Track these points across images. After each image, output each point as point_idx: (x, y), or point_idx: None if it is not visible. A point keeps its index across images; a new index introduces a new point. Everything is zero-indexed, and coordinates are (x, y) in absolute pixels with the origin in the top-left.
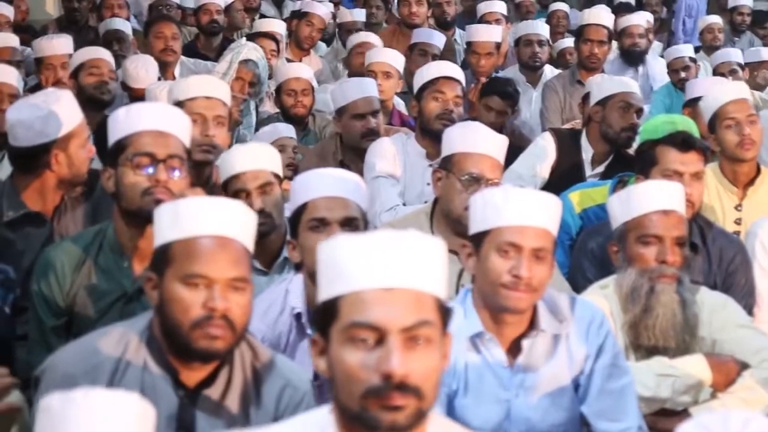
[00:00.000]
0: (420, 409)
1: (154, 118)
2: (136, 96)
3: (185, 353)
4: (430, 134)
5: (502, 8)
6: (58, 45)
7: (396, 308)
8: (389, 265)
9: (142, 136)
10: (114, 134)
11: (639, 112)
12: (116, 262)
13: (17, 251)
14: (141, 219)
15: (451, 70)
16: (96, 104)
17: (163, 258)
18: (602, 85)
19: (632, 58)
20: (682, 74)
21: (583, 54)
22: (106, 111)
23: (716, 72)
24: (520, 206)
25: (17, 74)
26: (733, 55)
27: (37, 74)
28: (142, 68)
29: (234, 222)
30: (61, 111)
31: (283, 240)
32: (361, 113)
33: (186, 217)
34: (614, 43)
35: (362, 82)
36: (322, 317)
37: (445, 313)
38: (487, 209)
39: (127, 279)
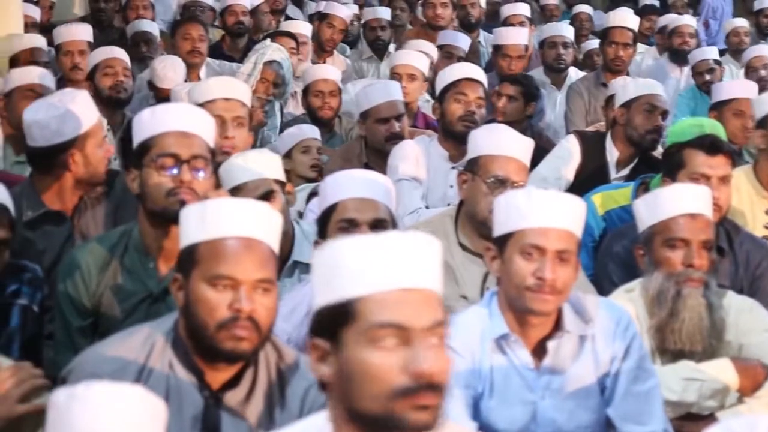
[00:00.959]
0: (442, 408)
1: (177, 118)
2: (163, 96)
3: (210, 354)
4: (452, 136)
5: (525, 10)
6: (77, 32)
7: (417, 308)
8: (405, 265)
9: (166, 137)
10: (138, 135)
11: (664, 114)
12: (142, 263)
13: (38, 250)
14: (166, 220)
15: (474, 71)
16: (114, 103)
17: (190, 259)
18: (627, 87)
19: (681, 57)
20: (707, 77)
21: (608, 56)
22: (126, 110)
23: (749, 68)
24: (544, 208)
25: (51, 76)
26: (766, 50)
27: (56, 62)
28: (170, 69)
29: (260, 224)
30: (77, 110)
31: (290, 244)
32: (384, 117)
33: (213, 219)
34: (648, 46)
35: (387, 85)
36: (329, 321)
37: (445, 312)
38: (510, 211)
39: (152, 279)
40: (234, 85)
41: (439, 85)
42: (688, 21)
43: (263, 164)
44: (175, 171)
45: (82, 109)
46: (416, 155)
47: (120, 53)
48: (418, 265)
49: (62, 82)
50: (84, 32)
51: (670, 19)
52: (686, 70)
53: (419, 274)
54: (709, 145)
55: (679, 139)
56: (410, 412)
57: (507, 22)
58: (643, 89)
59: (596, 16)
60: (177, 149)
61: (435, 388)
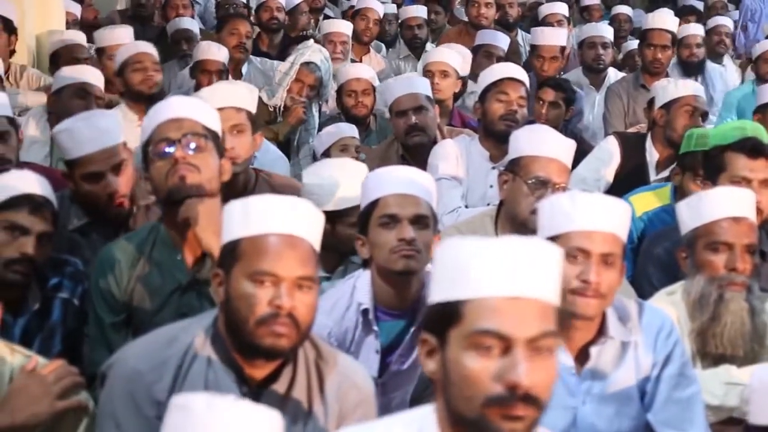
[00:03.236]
0: (536, 419)
1: (169, 108)
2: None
3: (250, 350)
4: (494, 135)
5: (564, 10)
6: (120, 35)
7: (523, 318)
8: (517, 273)
9: (160, 127)
10: (143, 136)
11: (704, 116)
12: (170, 256)
13: (84, 257)
14: (176, 204)
15: (515, 71)
16: (144, 98)
17: (231, 254)
18: (667, 88)
19: (689, 68)
20: None
21: (647, 58)
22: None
23: None
24: (588, 211)
25: (99, 75)
26: None
27: (99, 65)
28: (214, 46)
29: (302, 221)
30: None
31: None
32: (403, 110)
33: (255, 215)
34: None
35: (406, 78)
36: (439, 318)
37: (560, 320)
38: (554, 215)
39: (180, 271)
40: (225, 92)
41: (481, 85)
42: (694, 31)
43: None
44: (169, 152)
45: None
46: (456, 155)
47: (148, 48)
48: (530, 273)
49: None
50: (127, 35)
51: (679, 29)
52: (700, 78)
53: (530, 283)
54: (750, 148)
55: (721, 142)
56: (502, 421)
57: (545, 21)
58: (683, 90)
59: (636, 15)
60: (168, 133)
61: (529, 400)
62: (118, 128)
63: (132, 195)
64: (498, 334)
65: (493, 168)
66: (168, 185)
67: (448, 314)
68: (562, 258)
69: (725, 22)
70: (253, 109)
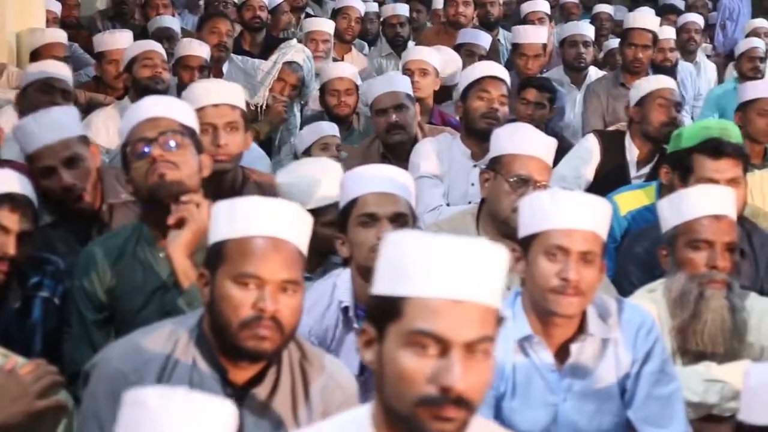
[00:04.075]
0: (467, 421)
1: (144, 109)
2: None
3: (233, 352)
4: (475, 134)
5: (545, 7)
6: (120, 39)
7: (463, 322)
8: (462, 276)
9: (136, 128)
10: (121, 138)
11: (678, 106)
12: (152, 254)
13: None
14: (158, 203)
15: (497, 69)
16: (151, 94)
17: (217, 256)
18: (640, 86)
19: (662, 72)
20: (759, 63)
21: (627, 58)
22: None
23: None
24: (568, 209)
25: (68, 70)
26: None
27: (98, 69)
28: (195, 42)
29: (288, 224)
30: None
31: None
32: (383, 108)
33: (242, 217)
34: None
35: (387, 77)
36: (379, 311)
37: (499, 324)
38: (535, 213)
39: (163, 269)
40: (221, 90)
41: (462, 84)
42: (668, 34)
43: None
44: (146, 151)
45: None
46: (437, 153)
47: (157, 47)
48: (474, 276)
49: (97, 78)
50: (127, 40)
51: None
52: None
53: (473, 287)
54: (713, 149)
55: (688, 144)
56: (432, 421)
57: (527, 19)
58: (655, 84)
59: (618, 11)
60: (144, 133)
61: (461, 403)
62: (72, 122)
63: (101, 192)
64: (436, 336)
65: (475, 166)
66: (148, 184)
67: (389, 309)
68: (508, 258)
69: (695, 19)
70: (244, 108)
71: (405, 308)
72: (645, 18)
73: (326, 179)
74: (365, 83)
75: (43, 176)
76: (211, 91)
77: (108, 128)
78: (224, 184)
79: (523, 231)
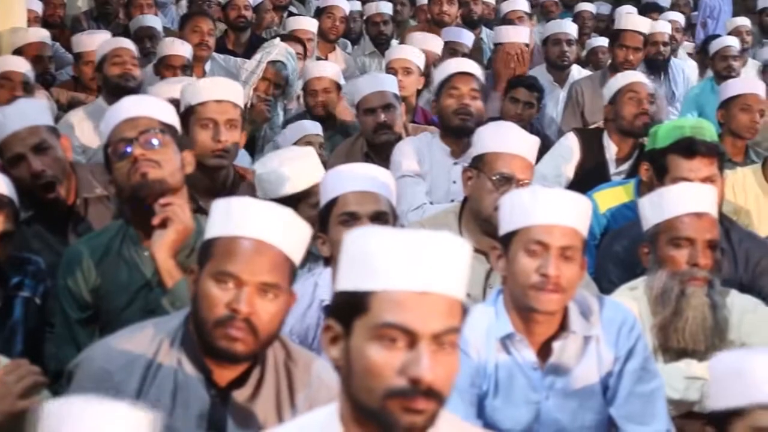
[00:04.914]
0: (436, 412)
1: (123, 110)
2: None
3: (210, 351)
4: (451, 131)
5: (524, 6)
6: (98, 40)
7: (430, 314)
8: (426, 268)
9: (117, 128)
10: (103, 139)
11: (650, 98)
12: (137, 253)
13: (33, 249)
14: (140, 202)
15: (465, 65)
16: (122, 92)
17: (206, 252)
18: (610, 85)
19: (655, 66)
20: (732, 62)
21: (618, 59)
22: None
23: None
24: (548, 205)
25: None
26: None
27: (76, 69)
28: (178, 42)
29: (278, 228)
30: None
31: None
32: (371, 107)
33: (233, 216)
34: None
35: (375, 77)
36: (345, 307)
37: (465, 316)
38: (515, 210)
39: (148, 268)
40: (226, 86)
41: (435, 83)
42: (661, 28)
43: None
44: (128, 151)
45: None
46: (418, 151)
47: (127, 43)
48: (438, 268)
49: (76, 79)
50: (126, 41)
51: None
52: (664, 76)
53: (438, 279)
54: (686, 148)
55: (662, 144)
56: (402, 413)
57: (506, 19)
58: (623, 80)
59: (602, 7)
60: (125, 133)
61: (431, 395)
62: (39, 112)
63: (75, 185)
64: (403, 328)
65: (455, 163)
66: (131, 184)
67: (355, 304)
68: (471, 252)
69: (677, 17)
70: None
71: (371, 302)
72: (637, 20)
73: (302, 163)
74: (351, 82)
75: (13, 165)
76: (214, 87)
77: (83, 128)
78: (217, 180)
79: (504, 228)
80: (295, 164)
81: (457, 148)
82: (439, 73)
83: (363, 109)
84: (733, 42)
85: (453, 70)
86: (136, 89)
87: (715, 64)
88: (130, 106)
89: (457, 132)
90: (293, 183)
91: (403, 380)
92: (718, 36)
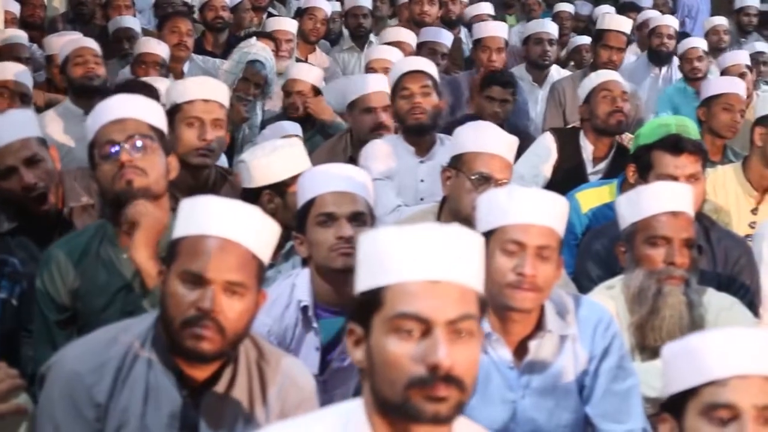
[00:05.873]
0: (460, 401)
1: (111, 110)
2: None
3: (178, 351)
4: (409, 131)
5: (489, 9)
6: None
7: (442, 301)
8: (436, 257)
9: (103, 129)
10: (88, 136)
11: (623, 95)
12: (116, 254)
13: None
14: (123, 207)
15: (414, 63)
16: (87, 92)
17: (172, 252)
18: (584, 85)
19: (659, 58)
20: (696, 64)
21: (601, 59)
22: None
23: (724, 74)
24: (525, 205)
25: (28, 74)
26: (742, 57)
27: (47, 71)
28: (154, 41)
29: (244, 227)
30: None
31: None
32: (371, 107)
33: (199, 215)
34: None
35: (375, 77)
36: (363, 307)
37: (483, 307)
38: (492, 209)
39: (127, 269)
40: (213, 86)
41: (390, 85)
42: (669, 21)
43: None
44: (115, 155)
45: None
46: (386, 153)
47: (89, 42)
48: (448, 257)
49: (49, 81)
50: (88, 40)
51: (651, 18)
52: (664, 69)
53: (450, 267)
54: (673, 145)
55: (647, 141)
56: (425, 402)
57: (472, 23)
58: (596, 80)
59: (585, 8)
60: (112, 135)
61: (451, 381)
62: (29, 123)
63: (62, 195)
64: (417, 316)
65: (421, 162)
66: (115, 189)
67: (371, 302)
68: (483, 245)
69: (671, 22)
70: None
71: (385, 296)
72: (620, 21)
73: (295, 150)
74: (347, 79)
75: (3, 177)
76: (202, 87)
77: (53, 129)
78: (199, 179)
79: (481, 228)
80: (284, 151)
81: (420, 146)
82: (391, 76)
83: (362, 108)
84: (699, 43)
85: (403, 71)
86: (101, 88)
87: (683, 66)
88: (119, 106)
89: (415, 131)
90: (282, 170)
91: (422, 368)
92: (688, 36)
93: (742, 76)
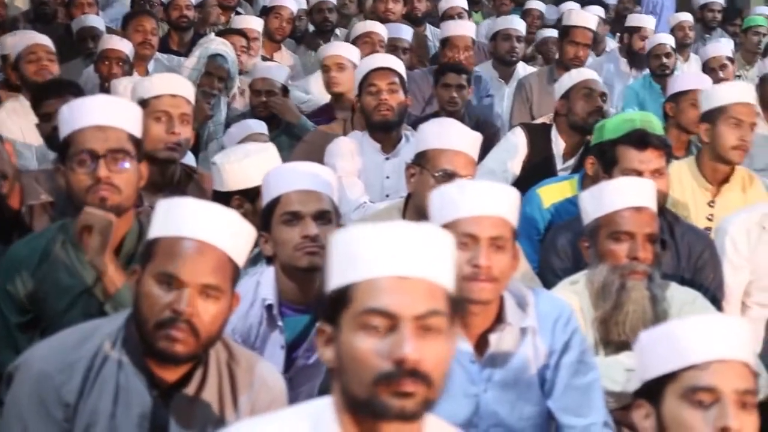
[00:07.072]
0: (428, 398)
1: (93, 112)
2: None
3: (151, 352)
4: (375, 127)
5: (463, 3)
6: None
7: (409, 296)
8: (404, 254)
9: (83, 133)
10: (61, 132)
11: (603, 95)
12: (78, 257)
13: None
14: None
15: (381, 60)
16: (40, 90)
17: (148, 252)
18: (563, 80)
19: (639, 60)
20: (664, 60)
21: (568, 55)
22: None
23: (706, 66)
24: (475, 197)
25: None
26: (724, 48)
27: (3, 71)
28: (116, 38)
29: (221, 230)
30: None
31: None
32: (376, 87)
33: (175, 217)
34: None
35: (382, 56)
36: (332, 305)
37: (454, 306)
38: (444, 204)
39: (88, 273)
40: (180, 82)
41: (356, 81)
42: (664, 40)
43: None
44: (92, 167)
45: None
46: (351, 150)
47: (42, 39)
48: (416, 253)
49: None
50: (41, 37)
51: (632, 19)
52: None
53: (417, 263)
54: (637, 139)
55: (612, 136)
56: (392, 398)
57: (446, 16)
58: (578, 77)
59: (548, 11)
60: (93, 144)
61: (418, 376)
62: None
63: (20, 192)
64: (384, 312)
65: (387, 159)
66: (86, 201)
67: (341, 299)
68: (453, 243)
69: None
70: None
71: (354, 293)
72: (587, 17)
73: (268, 155)
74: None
75: None
76: (169, 82)
77: (13, 123)
78: (165, 176)
79: (435, 223)
80: (257, 157)
81: (386, 143)
82: (359, 72)
83: (367, 85)
84: (666, 39)
85: (369, 67)
86: (55, 83)
87: (650, 63)
88: (101, 110)
89: (381, 127)
90: (254, 176)
91: (389, 363)
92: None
93: (723, 67)
